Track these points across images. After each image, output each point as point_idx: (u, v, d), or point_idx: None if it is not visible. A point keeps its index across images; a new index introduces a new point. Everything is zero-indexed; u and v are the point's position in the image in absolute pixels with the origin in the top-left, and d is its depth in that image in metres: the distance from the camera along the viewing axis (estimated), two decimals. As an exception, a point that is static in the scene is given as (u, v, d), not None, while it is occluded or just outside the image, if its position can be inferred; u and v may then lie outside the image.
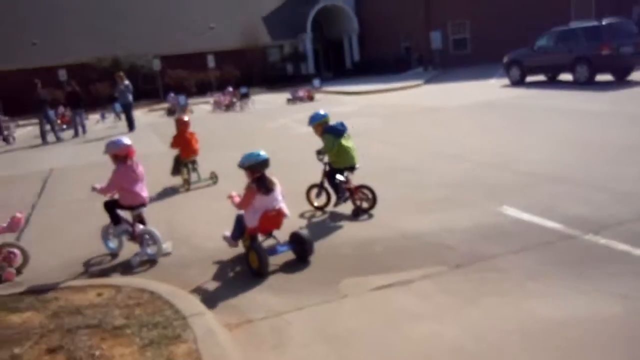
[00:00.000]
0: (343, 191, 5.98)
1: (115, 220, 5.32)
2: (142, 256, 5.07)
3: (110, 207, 5.33)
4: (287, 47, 37.44)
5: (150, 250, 5.15)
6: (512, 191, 6.07)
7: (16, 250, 5.13)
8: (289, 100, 22.52)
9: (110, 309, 3.70)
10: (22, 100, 26.63)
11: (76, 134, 17.75)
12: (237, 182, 7.96)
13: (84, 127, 18.12)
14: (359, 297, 3.84)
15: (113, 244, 5.44)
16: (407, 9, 32.55)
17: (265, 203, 4.57)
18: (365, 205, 5.91)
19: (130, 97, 18.03)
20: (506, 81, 18.93)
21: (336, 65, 40.10)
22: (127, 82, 18.06)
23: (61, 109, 21.11)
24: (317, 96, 22.97)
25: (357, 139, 10.90)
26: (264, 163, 4.65)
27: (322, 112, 6.29)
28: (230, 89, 24.00)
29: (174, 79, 32.53)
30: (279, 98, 25.18)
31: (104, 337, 3.26)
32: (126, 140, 5.26)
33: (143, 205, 5.34)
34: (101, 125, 21.19)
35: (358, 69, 36.93)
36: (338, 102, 20.77)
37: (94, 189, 5.25)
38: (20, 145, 17.15)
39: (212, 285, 4.32)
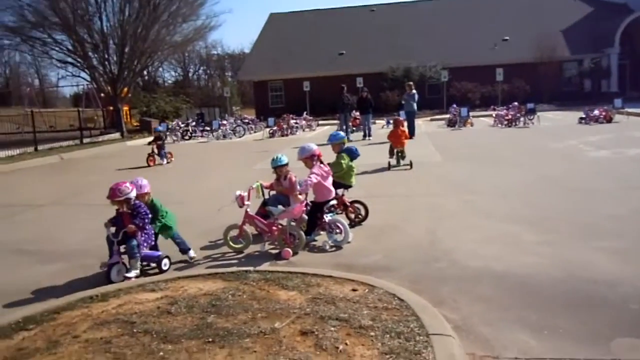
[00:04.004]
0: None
1: (312, 227, 6.05)
2: (330, 242, 5.90)
3: (315, 211, 6.04)
4: (587, 62, 33.71)
5: (338, 238, 5.94)
6: None
7: (295, 234, 5.80)
8: (581, 120, 20.30)
9: (361, 306, 3.83)
10: (325, 103, 30.34)
11: (364, 137, 19.27)
12: (515, 201, 7.60)
13: (369, 130, 19.55)
14: (638, 365, 3.13)
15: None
16: None
17: None
18: (358, 217, 6.84)
19: (415, 106, 18.73)
20: None
21: (647, 85, 34.43)
22: (414, 91, 18.80)
23: (354, 113, 23.19)
24: (617, 117, 20.08)
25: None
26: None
27: (342, 133, 7.43)
28: (516, 103, 22.82)
29: (459, 90, 32.60)
30: (569, 117, 22.91)
31: (349, 333, 3.38)
32: (311, 145, 6.22)
33: (334, 198, 6.28)
34: (385, 131, 22.53)
35: (678, 90, 31.01)
36: (645, 126, 17.77)
37: (300, 193, 5.95)
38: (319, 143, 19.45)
39: (462, 308, 4.09)
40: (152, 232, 5.45)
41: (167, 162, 15.27)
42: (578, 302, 4.06)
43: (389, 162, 11.73)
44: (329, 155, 7.15)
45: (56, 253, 6.41)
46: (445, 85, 32.02)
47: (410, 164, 11.60)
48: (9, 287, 5.21)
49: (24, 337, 3.70)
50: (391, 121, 24.69)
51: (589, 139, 15.07)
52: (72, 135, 25.10)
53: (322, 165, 6.13)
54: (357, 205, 6.92)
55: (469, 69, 33.14)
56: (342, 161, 6.88)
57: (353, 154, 7.01)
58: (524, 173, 10.16)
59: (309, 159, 6.11)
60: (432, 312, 3.74)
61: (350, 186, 6.95)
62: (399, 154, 11.80)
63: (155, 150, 15.21)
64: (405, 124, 18.96)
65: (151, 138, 16.46)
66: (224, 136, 23.99)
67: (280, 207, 6.00)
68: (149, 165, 14.80)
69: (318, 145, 6.37)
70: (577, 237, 5.78)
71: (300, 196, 6.09)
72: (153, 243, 5.43)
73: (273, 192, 6.53)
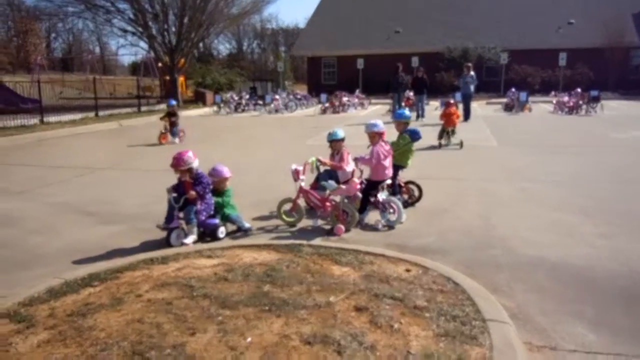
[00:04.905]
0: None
1: (364, 206, 6.06)
2: (383, 222, 5.89)
3: (369, 189, 6.06)
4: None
5: (391, 217, 5.93)
6: None
7: (348, 211, 5.82)
8: (649, 111, 19.29)
9: (415, 287, 3.82)
10: (379, 82, 29.93)
11: (417, 117, 18.98)
12: (573, 191, 7.35)
13: (423, 111, 19.23)
14: None
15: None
16: None
17: None
18: (412, 198, 6.80)
19: (472, 89, 18.27)
20: None
21: None
22: (472, 73, 18.31)
23: (407, 93, 22.80)
24: (690, 110, 18.97)
25: None
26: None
27: (407, 112, 7.30)
28: (579, 90, 21.87)
29: (518, 74, 31.48)
30: (636, 107, 21.84)
31: (404, 313, 3.38)
32: (382, 123, 6.16)
33: (388, 178, 6.14)
34: (438, 112, 22.10)
35: None
36: None
37: (356, 159, 6.13)
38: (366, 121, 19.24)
39: (518, 296, 4.02)
40: (212, 201, 5.59)
41: (179, 141, 13.62)
42: (638, 299, 3.92)
43: (439, 142, 11.98)
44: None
45: (116, 215, 6.69)
46: (504, 68, 30.97)
47: (461, 144, 11.82)
48: (74, 245, 5.50)
49: (89, 292, 3.90)
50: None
51: (656, 130, 14.34)
52: (130, 102, 25.88)
53: (383, 143, 6.11)
54: (411, 186, 6.86)
55: (530, 52, 31.88)
56: (401, 141, 6.79)
57: (415, 136, 6.87)
58: (583, 163, 9.80)
59: (377, 135, 6.09)
60: (488, 297, 3.70)
61: (404, 167, 6.86)
62: (450, 133, 12.15)
63: (168, 127, 13.65)
64: (461, 106, 18.67)
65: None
66: (276, 110, 24.14)
67: (331, 182, 6.04)
68: (160, 143, 13.38)
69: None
70: (637, 231, 5.56)
71: (347, 168, 6.26)
72: (212, 212, 5.58)
73: (326, 167, 6.56)
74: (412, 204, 6.79)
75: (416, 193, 6.84)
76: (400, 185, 6.77)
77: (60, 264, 4.88)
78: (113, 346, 3.03)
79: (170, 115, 13.76)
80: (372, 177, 6.10)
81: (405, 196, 6.80)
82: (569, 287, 4.18)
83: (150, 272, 4.28)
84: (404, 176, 6.94)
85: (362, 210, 6.07)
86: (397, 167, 6.64)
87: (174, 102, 14.65)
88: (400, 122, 7.00)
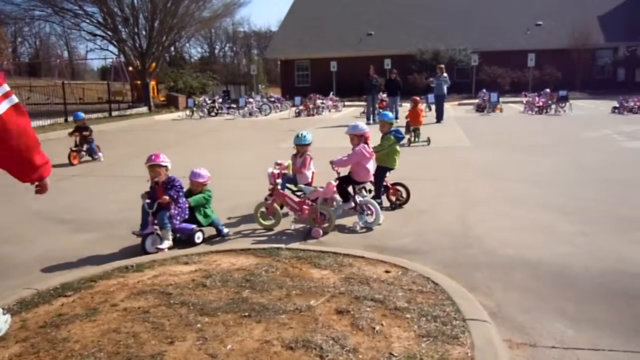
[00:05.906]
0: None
1: (345, 196, 6.10)
2: (361, 224, 5.87)
3: (343, 183, 6.10)
4: (622, 50, 32.72)
5: (369, 219, 5.91)
6: None
7: (325, 213, 5.80)
8: (614, 109, 19.80)
9: (395, 288, 3.82)
10: (352, 84, 30.05)
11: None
12: (548, 189, 7.47)
13: (397, 113, 19.34)
14: (681, 361, 3.07)
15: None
16: None
17: None
18: (399, 200, 6.80)
19: (445, 90, 18.49)
20: None
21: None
22: (445, 74, 18.54)
23: (381, 95, 22.94)
24: (654, 108, 19.52)
25: None
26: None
27: (391, 114, 7.36)
28: (548, 90, 22.34)
29: (488, 75, 31.99)
30: (603, 106, 22.38)
31: (385, 314, 3.37)
32: (364, 126, 6.25)
33: (369, 182, 6.33)
34: (412, 114, 22.27)
35: None
36: (683, 118, 17.24)
37: (332, 162, 6.06)
38: (340, 124, 19.31)
39: (497, 295, 4.05)
40: (186, 206, 5.51)
41: (97, 159, 11.74)
42: (616, 295, 3.99)
43: (408, 139, 12.53)
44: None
45: (91, 222, 6.54)
46: (475, 70, 31.43)
47: (428, 140, 12.66)
48: (47, 253, 5.35)
49: (63, 303, 3.78)
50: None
51: (623, 129, 14.71)
52: (100, 107, 25.43)
53: (366, 146, 6.13)
54: (398, 187, 6.86)
55: (500, 54, 32.45)
56: (386, 142, 6.75)
57: (399, 135, 6.84)
58: (556, 161, 9.99)
59: (358, 136, 6.14)
60: (467, 297, 3.71)
61: (392, 169, 6.82)
62: (415, 132, 12.92)
63: (79, 144, 11.52)
64: (434, 107, 18.89)
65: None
66: (250, 114, 24.02)
67: (296, 185, 6.10)
68: (71, 164, 11.07)
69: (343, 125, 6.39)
70: (613, 229, 5.67)
71: (307, 172, 6.41)
72: (187, 217, 5.50)
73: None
74: (400, 205, 6.79)
75: (404, 194, 6.85)
76: (387, 187, 6.78)
77: (32, 274, 4.74)
78: (89, 357, 2.93)
79: (81, 129, 11.64)
80: (353, 177, 6.12)
81: (393, 197, 6.81)
82: (548, 285, 4.23)
83: (125, 280, 4.18)
84: (391, 178, 6.95)
85: (345, 200, 6.12)
86: (385, 169, 6.66)
87: (81, 115, 12.27)
88: (385, 123, 7.01)
